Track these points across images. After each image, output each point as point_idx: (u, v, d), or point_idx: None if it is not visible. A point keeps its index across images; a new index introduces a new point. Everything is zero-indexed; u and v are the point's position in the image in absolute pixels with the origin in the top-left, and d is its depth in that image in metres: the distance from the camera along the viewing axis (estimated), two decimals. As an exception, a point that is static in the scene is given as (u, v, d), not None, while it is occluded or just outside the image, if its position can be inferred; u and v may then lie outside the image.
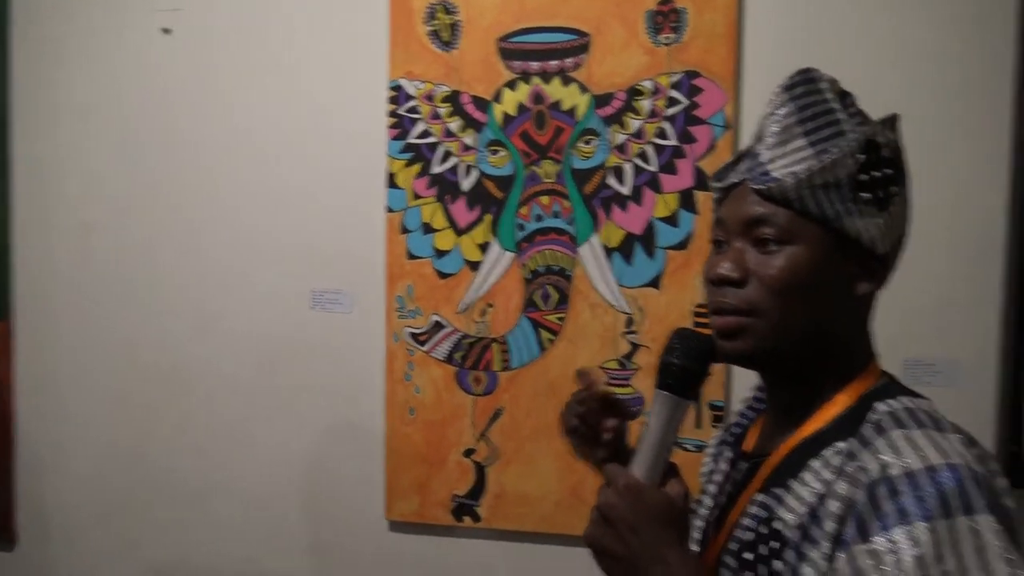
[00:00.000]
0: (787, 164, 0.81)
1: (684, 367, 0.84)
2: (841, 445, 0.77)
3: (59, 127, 1.95)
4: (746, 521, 0.83)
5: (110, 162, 1.92)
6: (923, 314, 1.55)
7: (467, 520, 1.75)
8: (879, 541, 0.68)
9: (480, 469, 1.74)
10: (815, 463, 0.79)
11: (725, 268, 0.83)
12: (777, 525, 0.79)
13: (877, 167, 0.81)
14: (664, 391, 0.84)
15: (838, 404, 0.82)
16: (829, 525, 0.73)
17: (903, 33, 1.56)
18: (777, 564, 0.78)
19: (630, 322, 1.66)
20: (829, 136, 0.81)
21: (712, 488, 0.94)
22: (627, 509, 0.80)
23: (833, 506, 0.73)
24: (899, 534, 0.68)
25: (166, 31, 1.87)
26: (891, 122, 0.84)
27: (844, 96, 0.85)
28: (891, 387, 0.83)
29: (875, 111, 0.84)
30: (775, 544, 0.79)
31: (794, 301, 0.81)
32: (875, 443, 0.74)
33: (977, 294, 1.55)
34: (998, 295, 1.54)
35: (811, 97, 0.83)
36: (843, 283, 0.82)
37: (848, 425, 0.79)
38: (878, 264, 0.83)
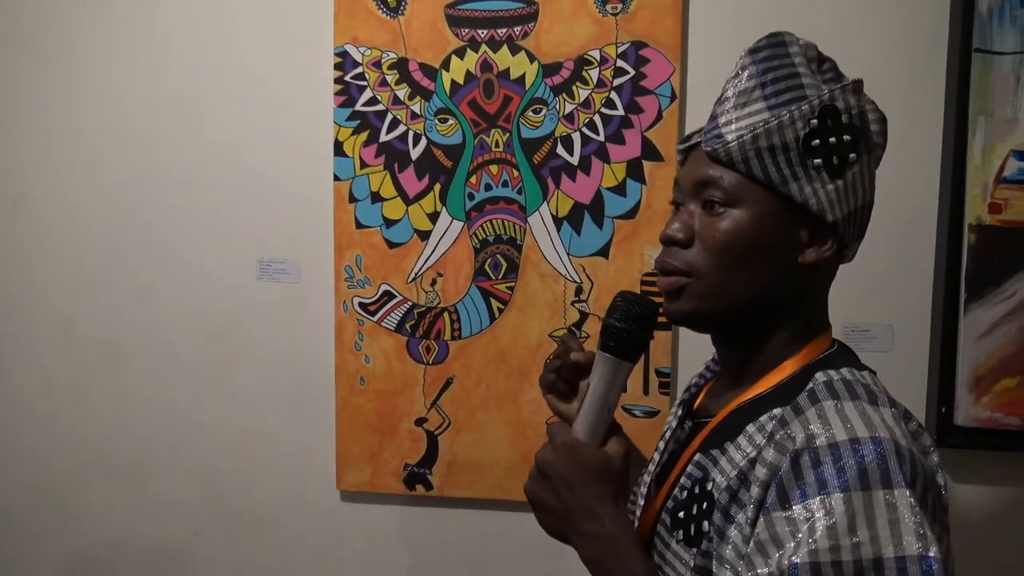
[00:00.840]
0: (740, 127, 0.81)
1: (624, 330, 0.85)
2: (777, 411, 0.79)
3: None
4: (683, 480, 0.85)
5: (39, 129, 1.85)
6: (859, 281, 1.60)
7: (419, 488, 1.76)
8: (797, 509, 0.70)
9: (432, 437, 1.75)
10: (751, 427, 0.80)
11: (672, 229, 0.85)
12: (709, 486, 0.81)
13: (832, 133, 0.80)
14: (605, 352, 0.86)
15: (784, 371, 0.84)
16: (755, 490, 0.74)
17: (843, 4, 1.59)
18: (705, 524, 0.79)
19: (579, 291, 1.68)
20: (788, 100, 0.81)
21: (661, 445, 0.96)
22: (563, 465, 0.82)
23: (760, 472, 0.74)
24: (816, 503, 0.69)
25: (99, -8, 1.80)
26: (855, 87, 0.83)
27: (821, 61, 0.85)
28: (838, 357, 0.84)
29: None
30: (705, 505, 0.80)
31: (735, 263, 0.82)
32: (807, 412, 0.75)
33: (910, 262, 1.61)
34: (930, 262, 1.61)
35: (775, 61, 0.83)
36: (789, 249, 0.83)
37: (788, 392, 0.80)
38: (829, 232, 0.83)
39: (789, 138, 0.80)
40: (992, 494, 1.63)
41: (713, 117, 0.85)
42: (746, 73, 0.84)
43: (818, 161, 0.80)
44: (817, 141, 0.80)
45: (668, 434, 0.96)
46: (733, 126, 0.82)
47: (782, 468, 0.72)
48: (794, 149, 0.80)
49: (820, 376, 0.80)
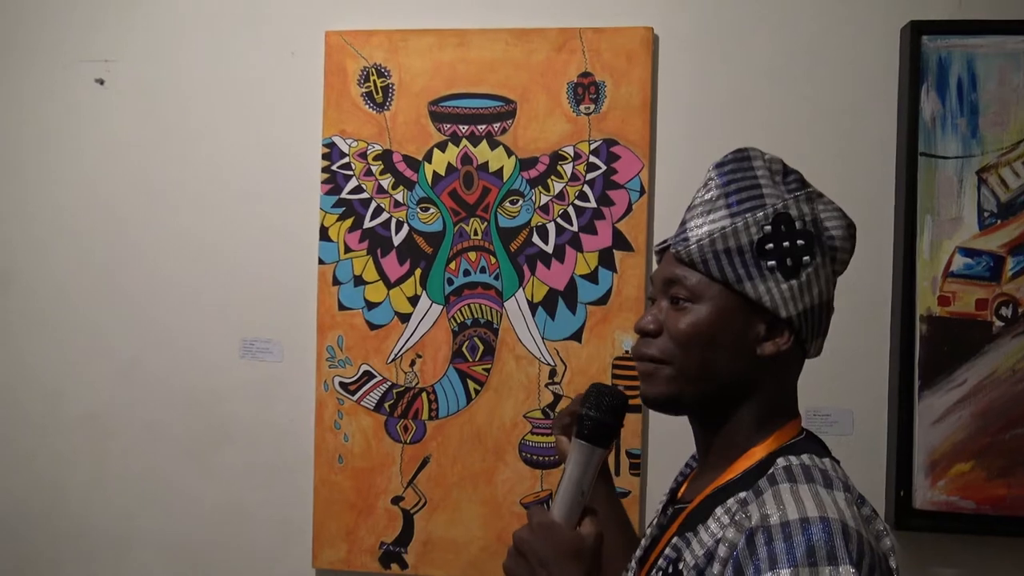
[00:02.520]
0: (702, 232, 0.91)
1: (596, 419, 0.93)
2: (742, 495, 0.85)
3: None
4: (660, 561, 0.91)
5: (32, 208, 1.92)
6: (820, 368, 1.67)
7: (394, 567, 1.78)
8: None
9: (408, 516, 1.78)
10: (719, 510, 0.86)
11: (644, 321, 0.94)
12: (680, 565, 0.86)
13: (786, 237, 0.89)
14: (580, 440, 0.94)
15: (752, 457, 0.90)
16: (717, 568, 0.80)
17: (797, 109, 1.71)
18: None
19: (553, 373, 1.75)
20: (748, 208, 0.90)
21: (647, 531, 1.02)
22: (538, 544, 0.89)
23: (722, 550, 0.81)
24: None
25: (100, 82, 1.89)
26: (808, 196, 0.92)
27: (786, 173, 0.94)
28: (800, 445, 0.90)
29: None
30: None
31: (696, 353, 0.90)
32: (764, 495, 0.82)
33: (868, 350, 1.69)
34: (886, 351, 1.69)
35: (739, 173, 0.92)
36: (747, 341, 0.90)
37: (753, 477, 0.87)
38: (785, 326, 0.90)
39: (744, 242, 0.89)
40: (950, 576, 1.68)
41: (683, 223, 0.95)
42: (712, 184, 0.94)
43: (772, 263, 0.88)
44: (771, 245, 0.89)
45: (654, 520, 1.03)
46: (697, 231, 0.92)
47: (739, 545, 0.79)
48: (748, 252, 0.89)
49: (781, 461, 0.86)
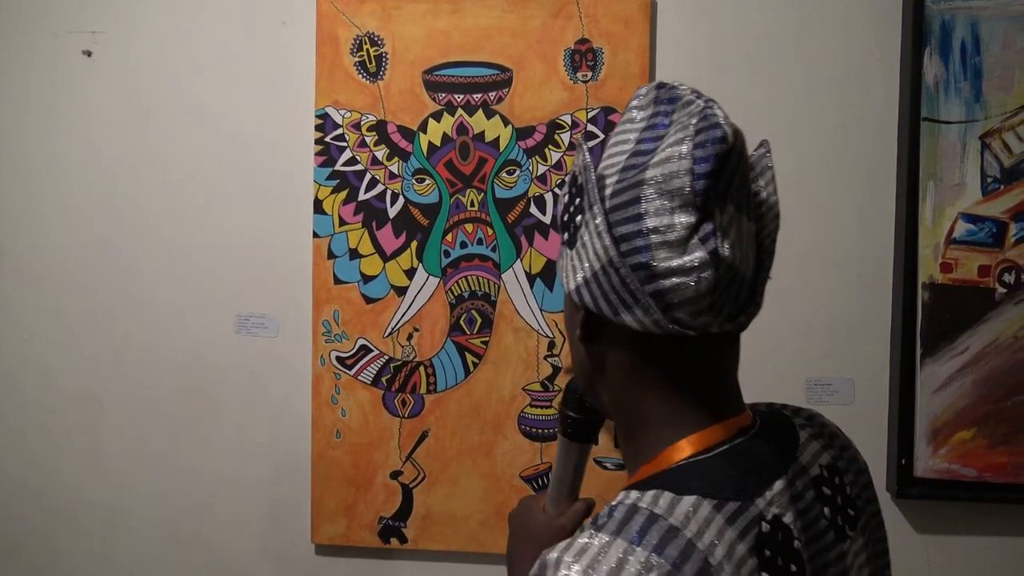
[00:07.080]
0: None
1: (575, 418, 0.97)
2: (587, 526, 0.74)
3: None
4: None
5: (22, 182, 1.88)
6: (821, 336, 1.67)
7: (394, 542, 1.77)
8: None
9: (407, 490, 1.77)
10: None
11: None
12: None
13: (571, 203, 0.75)
14: (561, 436, 0.98)
15: (641, 476, 0.76)
16: None
17: (798, 73, 1.68)
18: None
19: (552, 345, 1.73)
20: None
21: None
22: (515, 520, 0.99)
23: None
24: None
25: (87, 53, 1.85)
26: (578, 146, 0.76)
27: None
28: (669, 475, 0.72)
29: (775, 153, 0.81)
30: None
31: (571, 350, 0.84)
32: (579, 539, 0.69)
33: (868, 319, 1.68)
34: (887, 319, 1.68)
35: None
36: (576, 330, 0.77)
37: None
38: (579, 307, 0.75)
39: (558, 225, 0.79)
40: (952, 544, 1.68)
41: None
42: None
43: (566, 236, 0.76)
44: (566, 217, 0.76)
45: None
46: None
47: None
48: (561, 234, 0.78)
49: (621, 496, 0.72)
